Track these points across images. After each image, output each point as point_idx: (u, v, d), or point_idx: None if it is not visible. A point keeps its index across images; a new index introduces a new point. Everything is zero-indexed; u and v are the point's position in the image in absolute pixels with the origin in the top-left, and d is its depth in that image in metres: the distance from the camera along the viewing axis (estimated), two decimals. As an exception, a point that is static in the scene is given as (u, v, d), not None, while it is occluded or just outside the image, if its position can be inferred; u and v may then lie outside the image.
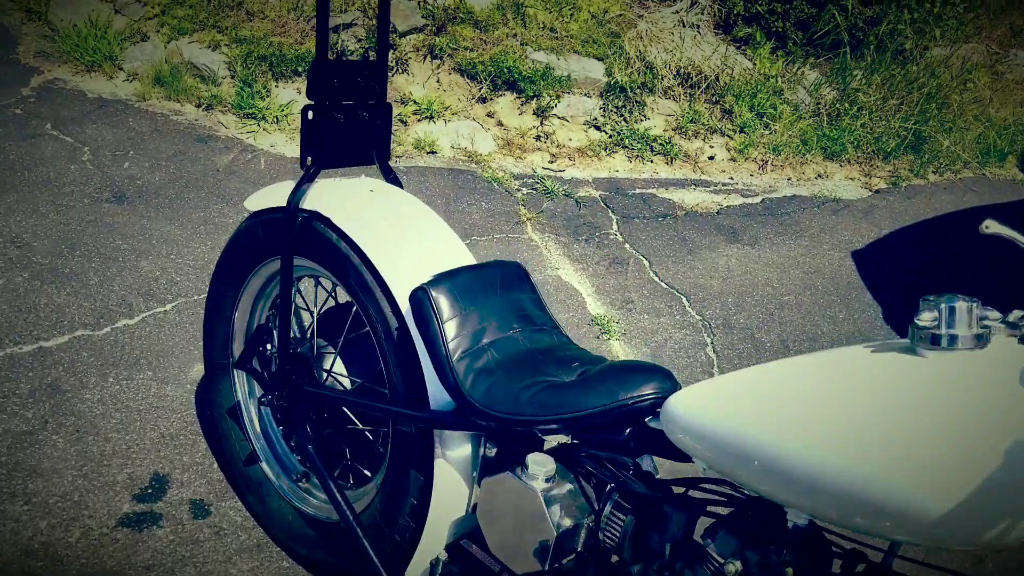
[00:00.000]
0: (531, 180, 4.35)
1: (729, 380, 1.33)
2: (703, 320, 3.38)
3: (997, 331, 1.15)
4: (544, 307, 1.79)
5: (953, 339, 1.09)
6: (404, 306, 1.70)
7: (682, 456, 1.39)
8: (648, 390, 1.44)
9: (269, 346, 1.98)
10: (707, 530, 1.36)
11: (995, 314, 1.11)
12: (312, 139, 1.83)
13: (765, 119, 5.06)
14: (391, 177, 2.01)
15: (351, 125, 1.89)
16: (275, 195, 1.94)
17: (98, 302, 2.87)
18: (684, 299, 3.51)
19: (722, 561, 1.30)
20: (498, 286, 1.73)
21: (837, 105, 5.28)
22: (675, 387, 1.45)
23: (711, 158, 4.83)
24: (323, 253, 1.84)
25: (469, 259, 1.84)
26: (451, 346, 1.60)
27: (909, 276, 3.93)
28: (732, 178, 4.72)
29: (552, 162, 4.55)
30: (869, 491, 1.07)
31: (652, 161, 4.70)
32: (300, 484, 2.12)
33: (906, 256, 4.12)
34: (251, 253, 2.04)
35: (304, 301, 2.11)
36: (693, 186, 4.54)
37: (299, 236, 1.85)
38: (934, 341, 1.10)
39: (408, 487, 1.77)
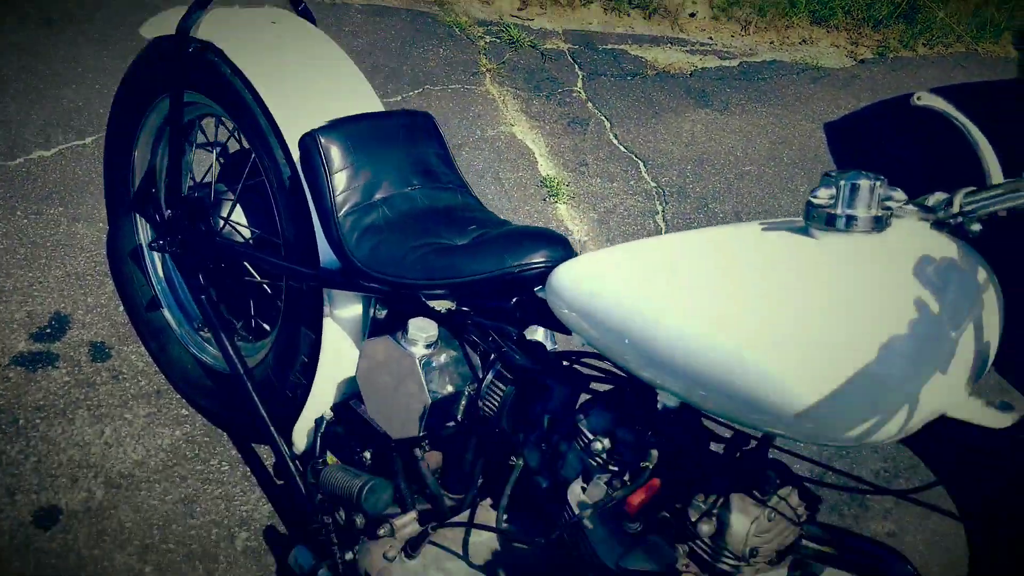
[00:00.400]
0: (496, 28, 4.10)
1: (617, 252, 1.22)
2: (658, 187, 3.25)
3: (906, 214, 1.04)
4: (452, 163, 1.66)
5: (849, 220, 0.97)
6: (297, 153, 1.56)
7: (567, 330, 1.30)
8: (538, 258, 1.33)
9: (160, 188, 1.85)
10: (582, 406, 1.29)
11: (900, 195, 0.99)
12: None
13: (754, -24, 4.75)
14: (301, 9, 1.82)
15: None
16: (174, 21, 1.76)
17: (14, 131, 2.70)
18: (641, 164, 3.36)
19: (591, 437, 1.23)
20: (401, 138, 1.59)
21: (832, -34, 4.95)
22: (568, 257, 1.35)
23: (692, 15, 4.55)
24: (215, 88, 1.69)
25: (377, 107, 1.69)
26: (339, 199, 1.48)
27: (881, 153, 3.78)
28: (711, 38, 4.46)
29: (522, 9, 4.28)
30: (737, 376, 0.98)
31: (629, 15, 4.43)
32: (201, 333, 2.04)
33: (881, 132, 3.95)
34: (147, 86, 1.87)
35: (208, 142, 1.96)
36: (669, 44, 4.30)
37: (190, 68, 1.69)
38: (829, 221, 0.98)
39: (299, 344, 1.69)
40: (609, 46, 4.15)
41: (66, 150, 2.68)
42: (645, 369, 1.11)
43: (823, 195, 0.97)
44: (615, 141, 3.47)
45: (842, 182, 0.96)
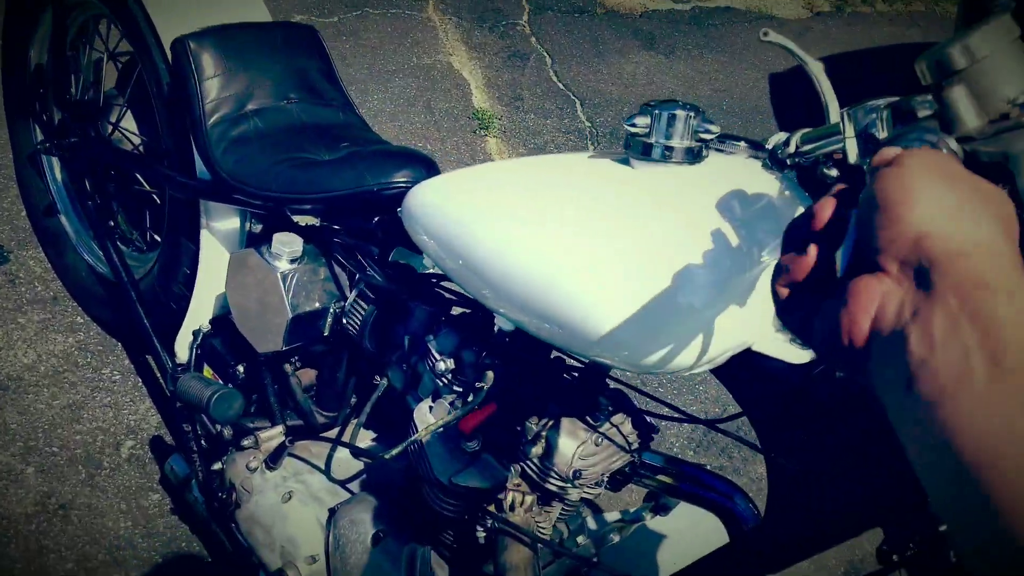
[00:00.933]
0: (447, -46, 4.02)
1: (465, 173, 1.22)
2: (592, 127, 3.24)
3: (735, 150, 1.05)
4: (336, 80, 1.64)
5: (664, 150, 0.98)
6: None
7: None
8: (399, 178, 1.34)
9: (45, 87, 1.82)
10: (433, 328, 1.31)
11: (715, 128, 1.00)
12: None
13: (717, -81, 4.68)
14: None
15: None
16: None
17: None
18: (578, 103, 3.35)
19: (438, 358, 1.25)
20: (280, 50, 1.57)
21: (798, -86, 4.89)
22: (426, 177, 1.35)
23: (649, -45, 4.49)
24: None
25: (265, 19, 1.66)
26: (208, 108, 1.46)
27: (820, 106, 3.78)
28: (667, -20, 4.41)
29: (475, -62, 4.19)
30: (552, 300, 1.00)
31: (585, -50, 4.36)
32: (97, 242, 2.02)
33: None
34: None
35: (105, 45, 1.92)
36: (622, -17, 4.24)
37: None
38: (645, 151, 0.99)
39: (181, 256, 1.69)
40: (561, -20, 4.09)
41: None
42: (478, 290, 1.12)
43: (639, 123, 0.97)
44: (554, 78, 3.44)
45: (657, 112, 0.96)
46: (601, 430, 1.16)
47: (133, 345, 2.01)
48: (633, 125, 0.99)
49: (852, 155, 0.88)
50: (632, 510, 1.52)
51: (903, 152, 0.51)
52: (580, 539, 1.37)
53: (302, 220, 1.53)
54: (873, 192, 0.48)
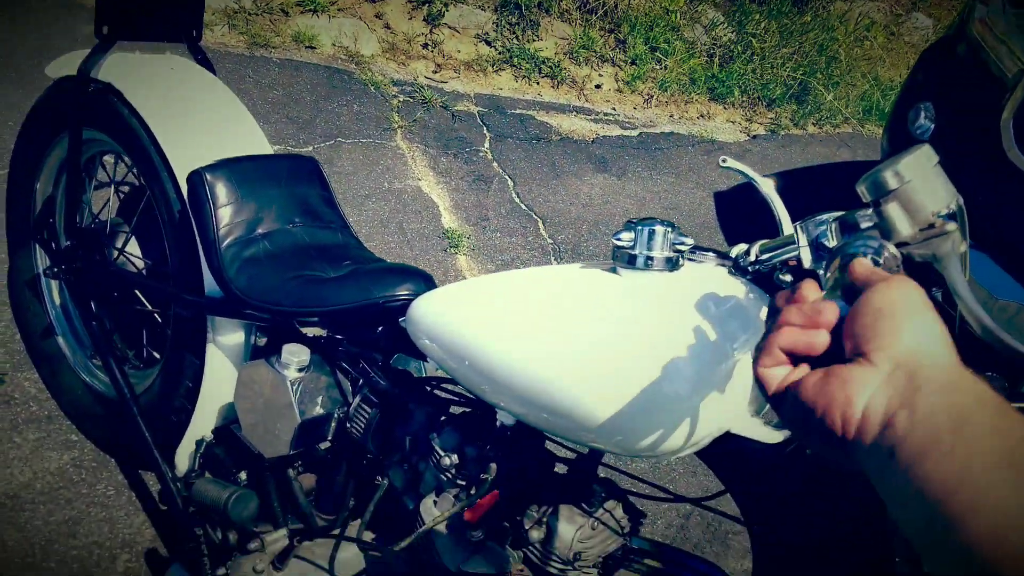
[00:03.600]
0: (410, 88, 4.29)
1: (465, 286, 1.37)
2: (554, 243, 3.44)
3: (704, 260, 1.21)
4: (335, 205, 1.79)
5: (647, 260, 1.14)
6: (185, 189, 1.68)
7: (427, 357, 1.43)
8: (401, 291, 1.47)
9: (58, 219, 1.94)
10: (437, 426, 1.42)
11: (689, 241, 1.16)
12: (109, 4, 1.75)
13: (658, 54, 5.08)
14: (200, 58, 1.95)
15: (158, -4, 1.82)
16: (77, 63, 1.87)
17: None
18: (540, 222, 3.56)
19: (442, 454, 1.36)
20: (284, 179, 1.72)
21: (732, 47, 5.33)
22: (429, 290, 1.49)
23: (598, 87, 4.83)
24: (113, 127, 1.80)
25: (266, 150, 1.82)
26: (222, 233, 1.60)
27: (766, 220, 4.04)
28: (615, 109, 4.74)
29: (436, 72, 4.49)
30: (554, 396, 1.12)
31: (538, 83, 4.68)
32: (94, 361, 2.11)
33: (764, 202, 4.23)
34: (50, 123, 1.97)
35: (109, 177, 2.06)
36: (575, 113, 4.55)
37: (90, 107, 1.80)
38: (630, 261, 1.15)
39: (184, 370, 1.78)
40: (517, 111, 4.38)
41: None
42: (483, 390, 1.24)
43: (624, 238, 1.13)
44: (517, 199, 3.66)
45: (639, 227, 1.13)
46: (596, 515, 1.28)
47: (126, 460, 2.07)
48: (619, 239, 1.14)
49: (806, 262, 1.03)
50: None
51: (891, 278, 0.65)
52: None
53: (308, 332, 1.65)
54: (869, 303, 0.61)
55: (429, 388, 1.54)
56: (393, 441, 1.51)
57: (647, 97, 4.89)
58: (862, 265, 0.67)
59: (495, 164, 3.88)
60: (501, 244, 3.35)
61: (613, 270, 1.18)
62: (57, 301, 2.16)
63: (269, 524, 1.63)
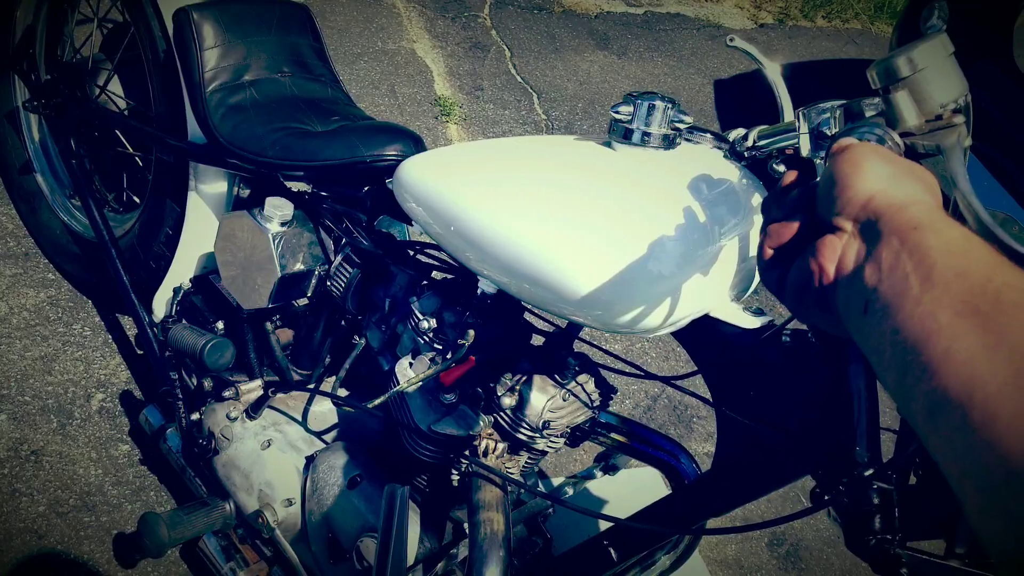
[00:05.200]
0: (412, -57, 4.11)
1: (455, 150, 1.34)
2: (547, 120, 3.37)
3: (703, 141, 1.19)
4: (326, 57, 1.73)
5: (643, 135, 1.11)
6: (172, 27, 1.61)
7: (410, 220, 1.42)
8: (390, 151, 1.44)
9: (38, 50, 1.87)
10: (417, 290, 1.42)
11: (689, 119, 1.13)
12: None
13: (671, -72, 4.86)
14: None
15: None
16: None
17: None
18: (535, 96, 3.48)
19: (421, 318, 1.36)
20: (275, 25, 1.66)
21: (748, -71, 5.10)
22: (418, 152, 1.46)
23: (606, -41, 4.64)
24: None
25: (257, -6, 1.74)
26: (208, 76, 1.54)
27: (763, 112, 3.98)
28: (622, -16, 4.57)
29: (439, -72, 4.28)
30: (538, 266, 1.11)
31: (545, -50, 4.49)
32: (72, 201, 2.08)
33: (765, 95, 4.15)
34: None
35: (93, 11, 1.97)
36: (579, -16, 4.39)
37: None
38: (626, 135, 1.12)
39: (164, 216, 1.76)
40: (521, -23, 4.22)
41: (-53, 7, 2.60)
42: (466, 257, 1.23)
43: (623, 111, 1.10)
44: (513, 71, 3.57)
45: (639, 101, 1.09)
46: (568, 387, 1.29)
47: (103, 302, 2.07)
48: (617, 112, 1.11)
49: (805, 149, 1.01)
50: (583, 469, 1.66)
51: (854, 142, 0.66)
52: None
53: (292, 187, 1.62)
54: (831, 170, 0.62)
55: (411, 252, 1.53)
56: (372, 302, 1.51)
57: (656, -26, 4.71)
58: (841, 141, 0.67)
59: (493, 32, 3.75)
60: (494, 116, 3.28)
61: (608, 144, 1.16)
62: (36, 137, 2.10)
63: (244, 374, 1.65)
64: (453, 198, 1.23)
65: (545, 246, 1.10)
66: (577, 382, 1.31)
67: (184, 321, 1.62)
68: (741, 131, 1.19)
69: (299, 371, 1.67)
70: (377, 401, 1.35)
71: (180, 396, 1.55)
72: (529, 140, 1.28)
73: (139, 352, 2.01)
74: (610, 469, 1.64)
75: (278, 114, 1.55)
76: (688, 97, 3.86)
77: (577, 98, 3.55)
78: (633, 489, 1.62)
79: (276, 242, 1.49)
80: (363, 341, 1.52)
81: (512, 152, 1.26)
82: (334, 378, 1.67)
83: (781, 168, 1.14)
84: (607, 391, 1.35)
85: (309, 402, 1.59)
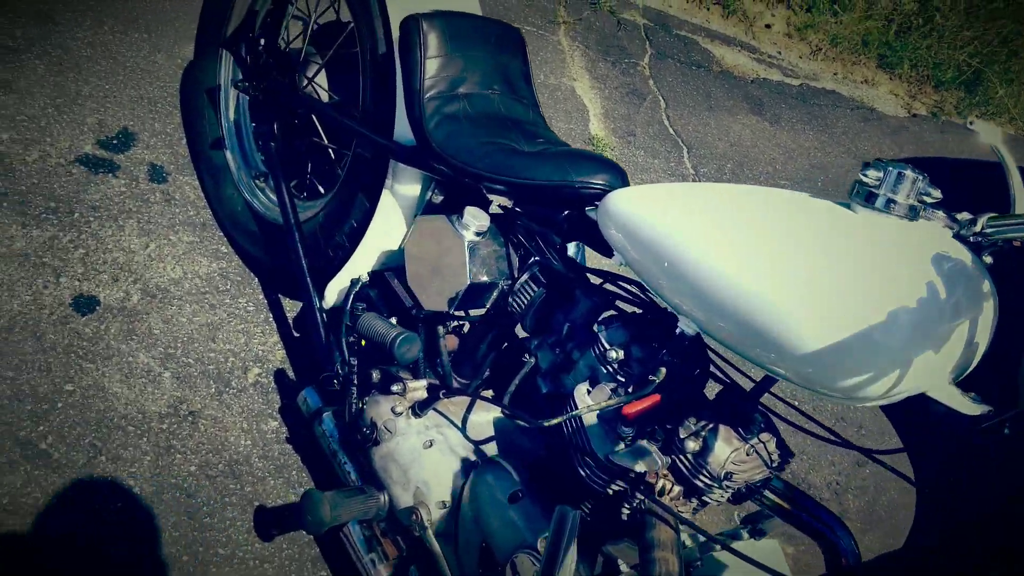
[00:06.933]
0: (582, -15, 4.19)
1: (671, 187, 1.35)
2: (695, 175, 3.37)
3: (935, 218, 1.17)
4: (530, 81, 1.78)
5: (887, 201, 1.11)
6: (396, 33, 1.68)
7: (608, 251, 1.43)
8: (598, 180, 1.46)
9: (257, 33, 1.96)
10: (604, 319, 1.42)
11: (937, 193, 1.12)
12: None
13: (836, 6, 4.84)
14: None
15: None
16: None
17: (112, -48, 2.79)
18: (686, 150, 3.48)
19: (607, 347, 1.37)
20: (492, 44, 1.71)
21: (912, 18, 5.05)
22: (624, 185, 1.48)
23: (768, 26, 4.65)
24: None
25: (476, 10, 1.80)
26: (427, 83, 1.60)
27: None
28: (780, 53, 4.56)
29: (609, -25, 4.36)
30: (757, 315, 1.11)
31: (709, 8, 4.52)
32: (257, 182, 2.16)
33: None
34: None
35: (307, 8, 2.06)
36: (739, 48, 4.39)
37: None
38: (869, 199, 1.11)
39: (352, 209, 1.82)
40: (683, 33, 4.25)
41: (159, -17, 2.77)
42: (676, 295, 1.23)
43: (871, 175, 1.10)
44: (666, 121, 3.59)
45: (890, 168, 1.09)
46: (750, 442, 1.28)
47: (268, 281, 2.14)
48: (865, 175, 1.11)
49: (1033, 244, 0.99)
50: (730, 528, 1.62)
51: None
52: (688, 541, 1.48)
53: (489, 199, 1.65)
54: None
55: (600, 280, 1.54)
56: (549, 323, 1.53)
57: (815, 49, 4.69)
58: None
59: (651, 82, 3.79)
60: (644, 163, 3.30)
61: (846, 204, 1.15)
62: (232, 116, 2.20)
63: (409, 372, 1.68)
64: (670, 235, 1.23)
65: (773, 296, 1.10)
66: (760, 439, 1.29)
67: (373, 311, 1.66)
68: (967, 215, 1.17)
69: (459, 379, 1.69)
70: (554, 421, 1.36)
71: (355, 382, 1.59)
72: (750, 189, 1.28)
73: (295, 334, 2.07)
74: (757, 533, 1.60)
75: (488, 128, 1.59)
76: (836, 175, 3.81)
77: (726, 158, 3.55)
78: (780, 558, 1.58)
79: (470, 250, 1.52)
80: (533, 360, 1.53)
81: (737, 199, 1.26)
82: (488, 392, 1.70)
83: (988, 260, 1.13)
84: (786, 453, 1.33)
85: (469, 409, 1.61)
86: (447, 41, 1.62)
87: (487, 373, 1.69)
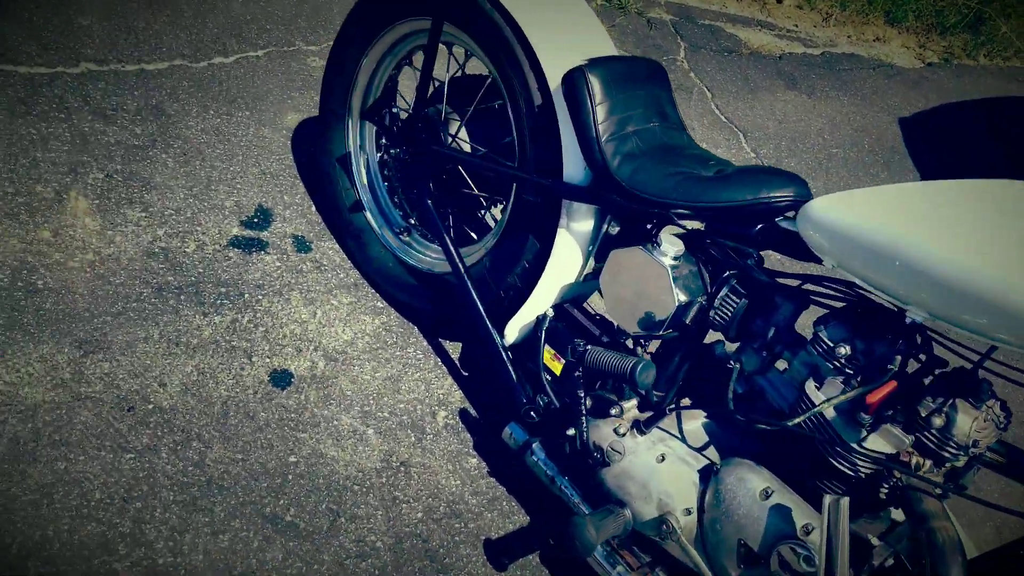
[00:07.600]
0: (604, -9, 4.32)
1: (867, 192, 1.47)
2: (757, 158, 3.51)
3: None
4: (676, 107, 1.90)
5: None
6: (551, 84, 1.80)
7: (806, 256, 1.56)
8: (788, 192, 1.58)
9: (397, 102, 2.08)
10: (819, 319, 1.55)
11: None
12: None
13: (837, -29, 4.99)
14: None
15: None
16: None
17: (193, 35, 2.89)
18: (742, 135, 3.62)
19: (832, 344, 1.49)
20: (643, 80, 1.83)
21: (909, -30, 5.20)
22: (808, 194, 1.60)
23: (779, 1, 4.79)
24: (472, 19, 1.90)
25: (612, 51, 1.92)
26: (600, 128, 1.72)
27: (950, 150, 4.06)
28: (796, 26, 4.71)
29: (625, -24, 4.49)
30: (988, 289, 1.24)
31: (722, -6, 4.66)
32: (401, 237, 2.28)
33: (949, 130, 4.23)
34: (389, 9, 2.09)
35: (446, 71, 2.18)
36: (759, 27, 4.54)
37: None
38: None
39: (523, 251, 1.93)
40: (706, 22, 4.38)
41: (242, 59, 2.88)
42: (910, 289, 1.36)
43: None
44: (717, 111, 3.72)
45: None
46: (981, 409, 1.41)
47: (428, 328, 2.25)
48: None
49: None
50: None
51: None
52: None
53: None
54: None
55: (798, 283, 1.66)
56: (755, 330, 1.65)
57: (826, 16, 4.83)
58: None
59: (692, 74, 3.92)
60: (707, 155, 3.42)
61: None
62: (364, 179, 2.32)
63: (614, 394, 1.81)
64: (908, 238, 1.35)
65: (1014, 279, 1.23)
66: (987, 406, 1.42)
67: (553, 353, 1.78)
68: None
69: (656, 393, 1.81)
70: (798, 419, 1.49)
71: (584, 412, 1.71)
72: (944, 185, 1.41)
73: (464, 373, 2.18)
74: (959, 488, 1.74)
75: (663, 160, 1.71)
76: (878, 135, 3.96)
77: (780, 136, 3.68)
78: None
79: (672, 276, 1.64)
80: (739, 365, 1.66)
81: (942, 195, 1.39)
82: (685, 400, 1.83)
83: None
84: (1008, 413, 1.47)
85: (679, 419, 1.74)
86: (609, 85, 1.74)
87: (680, 383, 1.81)
